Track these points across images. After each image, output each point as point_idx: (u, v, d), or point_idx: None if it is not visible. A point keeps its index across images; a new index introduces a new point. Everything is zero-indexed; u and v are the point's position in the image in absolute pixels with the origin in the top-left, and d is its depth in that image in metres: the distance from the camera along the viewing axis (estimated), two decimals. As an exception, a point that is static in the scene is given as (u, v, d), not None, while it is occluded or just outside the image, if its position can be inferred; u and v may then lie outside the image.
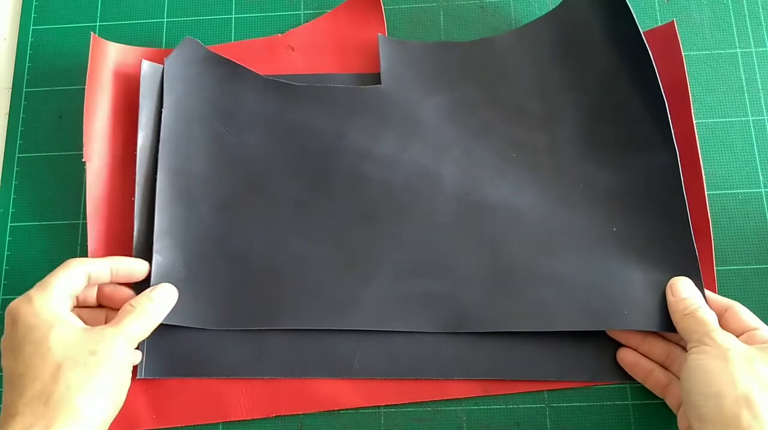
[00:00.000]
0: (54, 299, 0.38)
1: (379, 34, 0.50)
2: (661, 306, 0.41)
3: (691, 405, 0.35)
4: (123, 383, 0.38)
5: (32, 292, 0.38)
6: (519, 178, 0.46)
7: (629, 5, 0.46)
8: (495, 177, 0.46)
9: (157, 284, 0.43)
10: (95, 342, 0.37)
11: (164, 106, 0.47)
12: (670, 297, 0.41)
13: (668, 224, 0.43)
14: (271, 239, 0.45)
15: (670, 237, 0.43)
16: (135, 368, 0.43)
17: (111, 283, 0.42)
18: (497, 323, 0.43)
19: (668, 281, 0.42)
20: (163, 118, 0.46)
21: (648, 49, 0.45)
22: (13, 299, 0.47)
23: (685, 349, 0.40)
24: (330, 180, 0.47)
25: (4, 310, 0.46)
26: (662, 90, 0.44)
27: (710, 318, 0.39)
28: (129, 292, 0.43)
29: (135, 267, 0.43)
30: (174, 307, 0.42)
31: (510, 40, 0.49)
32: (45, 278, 0.39)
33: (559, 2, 0.50)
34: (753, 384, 0.34)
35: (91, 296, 0.43)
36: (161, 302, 0.41)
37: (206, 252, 0.45)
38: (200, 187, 0.46)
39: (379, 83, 0.48)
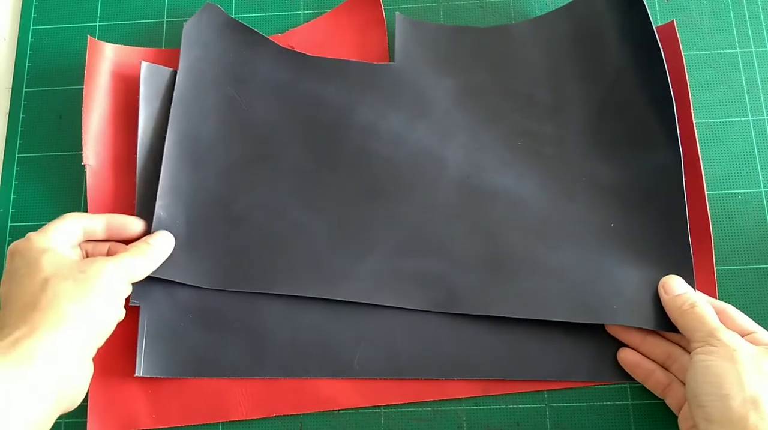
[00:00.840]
0: (50, 237, 0.39)
1: (397, 13, 0.50)
2: (653, 304, 0.41)
3: (697, 405, 0.35)
4: (112, 304, 0.38)
5: (31, 233, 0.39)
6: (522, 166, 0.46)
7: (644, 2, 0.46)
8: (498, 164, 0.46)
9: None
10: (85, 264, 0.38)
11: (179, 68, 0.47)
12: (663, 295, 0.41)
13: (666, 224, 0.43)
14: (272, 206, 0.46)
15: (667, 237, 0.43)
16: (135, 362, 0.43)
17: (107, 239, 0.43)
18: (488, 307, 0.43)
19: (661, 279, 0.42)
20: (176, 81, 0.47)
21: (660, 47, 0.45)
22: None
23: (685, 349, 0.40)
24: (336, 153, 0.47)
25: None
26: (671, 90, 0.44)
27: (711, 315, 0.38)
28: None
29: (129, 223, 0.43)
30: (171, 262, 0.43)
31: (525, 30, 0.50)
32: (45, 226, 0.40)
33: (559, 2, 0.50)
34: (760, 386, 0.34)
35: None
36: (157, 247, 0.42)
37: (208, 213, 0.45)
38: (207, 151, 0.47)
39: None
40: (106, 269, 0.38)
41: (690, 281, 0.42)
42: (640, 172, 0.45)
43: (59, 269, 0.37)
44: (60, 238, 0.40)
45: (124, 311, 0.40)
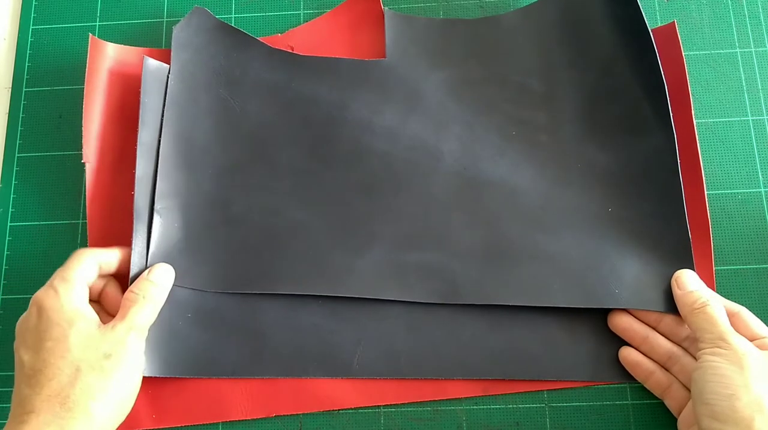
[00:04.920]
0: (76, 291, 0.39)
1: (386, 8, 0.50)
2: (653, 286, 0.42)
3: (703, 403, 0.35)
4: (134, 385, 0.39)
5: (56, 283, 0.39)
6: (518, 155, 0.46)
7: None
8: (494, 154, 0.47)
9: (156, 244, 0.44)
10: (110, 344, 0.38)
11: (170, 72, 0.47)
12: (676, 290, 0.41)
13: (663, 207, 0.44)
14: (270, 206, 0.46)
15: (665, 219, 0.43)
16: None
17: (117, 273, 0.43)
18: (490, 296, 0.43)
19: (660, 261, 0.42)
20: (168, 85, 0.47)
21: (650, 32, 0.45)
22: (13, 299, 0.47)
23: (687, 351, 0.40)
24: (331, 150, 0.47)
25: (4, 310, 0.46)
26: (663, 73, 0.44)
27: (722, 317, 0.38)
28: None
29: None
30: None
31: (515, 19, 0.50)
32: (63, 268, 0.40)
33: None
34: (766, 390, 0.34)
35: (96, 288, 0.43)
36: (162, 283, 0.42)
37: (206, 216, 0.46)
38: (203, 153, 0.47)
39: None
40: (129, 347, 0.39)
41: (689, 262, 0.42)
42: (635, 157, 0.45)
43: (86, 353, 0.37)
44: (82, 287, 0.40)
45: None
